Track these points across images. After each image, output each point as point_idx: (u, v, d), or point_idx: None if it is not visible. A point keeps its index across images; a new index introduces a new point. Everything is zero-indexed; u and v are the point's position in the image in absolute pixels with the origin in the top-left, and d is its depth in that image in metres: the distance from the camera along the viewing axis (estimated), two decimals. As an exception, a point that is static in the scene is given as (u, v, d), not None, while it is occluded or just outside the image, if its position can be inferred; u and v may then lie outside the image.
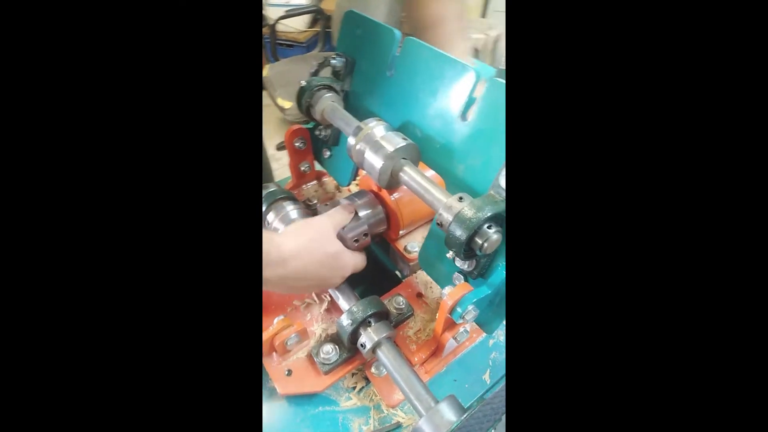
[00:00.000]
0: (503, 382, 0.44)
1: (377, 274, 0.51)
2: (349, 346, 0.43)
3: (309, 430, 0.41)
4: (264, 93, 1.65)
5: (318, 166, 0.63)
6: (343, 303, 0.46)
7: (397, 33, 0.46)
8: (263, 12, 1.72)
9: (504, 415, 0.32)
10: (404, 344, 0.46)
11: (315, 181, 0.65)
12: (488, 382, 0.45)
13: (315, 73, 0.53)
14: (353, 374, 0.45)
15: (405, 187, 0.44)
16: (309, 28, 2.17)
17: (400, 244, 0.51)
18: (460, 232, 0.34)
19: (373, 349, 0.41)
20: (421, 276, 0.52)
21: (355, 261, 0.46)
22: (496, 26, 2.00)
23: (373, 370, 0.44)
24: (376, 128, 0.44)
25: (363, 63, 0.51)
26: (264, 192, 0.52)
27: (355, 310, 0.41)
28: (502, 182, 0.36)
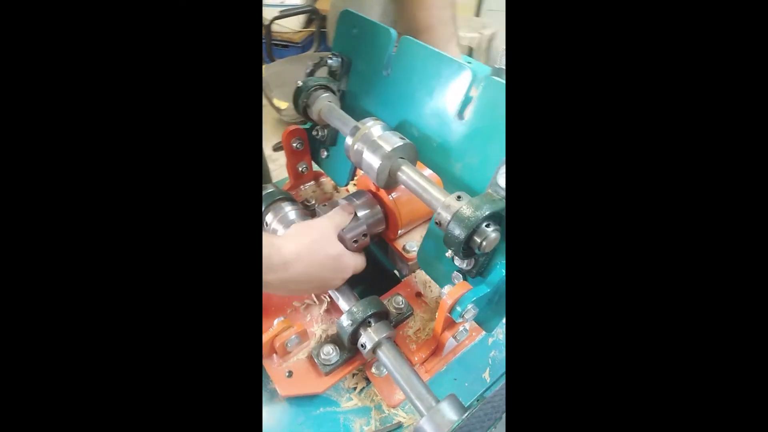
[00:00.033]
0: (503, 381, 0.44)
1: (376, 274, 0.51)
2: (349, 346, 0.43)
3: (310, 431, 0.41)
4: (260, 94, 1.64)
5: (315, 167, 0.63)
6: (342, 303, 0.46)
7: (393, 32, 0.46)
8: (259, 12, 1.71)
9: (504, 414, 0.32)
10: (404, 344, 0.46)
11: (313, 182, 0.65)
12: (488, 381, 0.45)
13: (311, 74, 0.53)
14: (354, 375, 0.45)
15: (403, 186, 0.44)
16: (304, 28, 2.17)
17: (399, 244, 0.51)
18: (458, 231, 0.34)
19: (374, 350, 0.41)
20: (420, 275, 0.52)
21: (356, 262, 0.46)
22: (490, 25, 2.01)
23: (373, 370, 0.44)
24: (374, 128, 0.44)
25: (359, 63, 0.51)
26: (262, 193, 0.51)
27: (355, 310, 0.41)
28: (500, 181, 0.36)
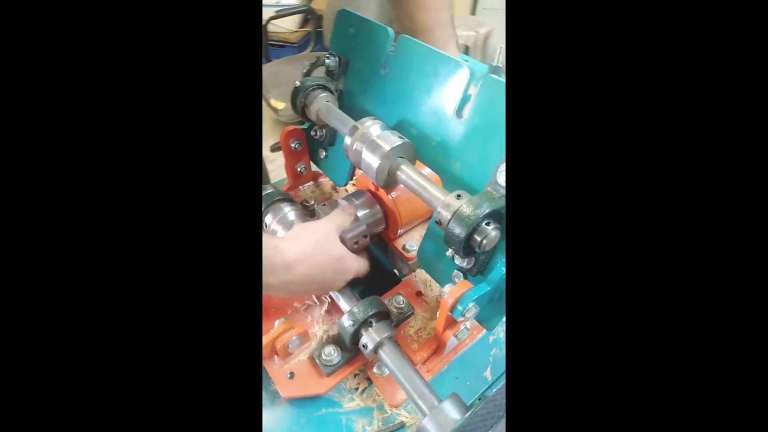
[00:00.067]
0: (505, 379, 0.44)
1: (376, 273, 0.51)
2: (350, 347, 0.43)
3: (312, 432, 0.41)
4: (257, 94, 1.63)
5: (314, 167, 0.63)
6: (343, 304, 0.46)
7: (391, 31, 0.46)
8: (254, 13, 1.70)
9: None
10: (405, 343, 0.46)
11: (311, 182, 0.64)
12: (489, 379, 0.45)
13: (308, 73, 0.53)
14: (355, 375, 0.45)
15: (402, 186, 0.44)
16: (300, 28, 2.16)
17: (399, 243, 0.51)
18: (459, 230, 0.34)
19: (375, 350, 0.41)
20: (420, 274, 0.52)
21: (359, 264, 0.46)
22: (485, 23, 2.01)
23: (375, 370, 0.44)
24: (372, 127, 0.43)
25: (357, 62, 0.51)
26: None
27: (356, 311, 0.41)
28: (500, 179, 0.36)
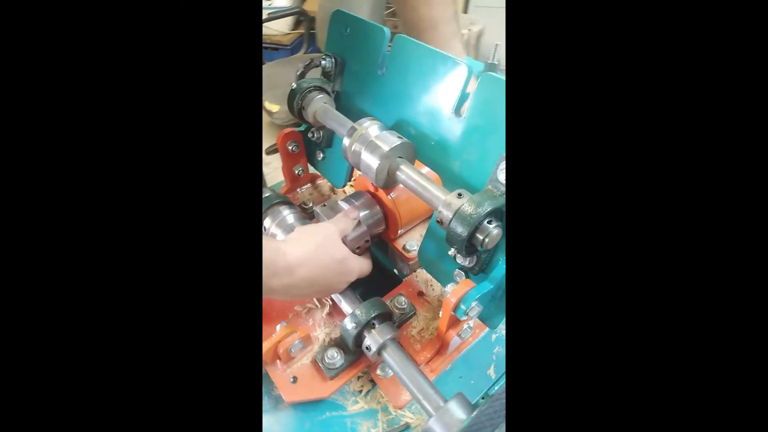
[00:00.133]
0: (509, 377, 0.44)
1: (377, 274, 0.51)
2: (353, 349, 0.42)
3: (317, 436, 0.41)
4: (250, 97, 1.63)
5: (311, 169, 0.62)
6: (345, 306, 0.46)
7: (387, 31, 0.46)
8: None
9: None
10: (408, 344, 0.45)
11: (309, 184, 0.64)
12: (493, 377, 0.45)
13: (302, 75, 0.53)
14: (359, 377, 0.45)
15: (401, 186, 0.44)
16: (293, 30, 2.16)
17: (399, 244, 0.51)
18: (461, 229, 0.34)
19: (379, 351, 0.40)
20: (421, 274, 0.52)
21: (361, 265, 0.46)
22: (478, 21, 2.01)
23: (378, 372, 0.43)
24: (371, 128, 0.43)
25: (353, 63, 0.51)
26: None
27: (358, 313, 0.41)
28: (500, 176, 0.36)
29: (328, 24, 0.52)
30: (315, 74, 0.53)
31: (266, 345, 0.41)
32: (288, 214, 0.49)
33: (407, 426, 0.41)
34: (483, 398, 0.44)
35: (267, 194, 0.51)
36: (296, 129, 0.57)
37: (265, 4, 1.97)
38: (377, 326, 0.41)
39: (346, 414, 0.42)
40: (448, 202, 0.36)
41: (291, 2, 2.06)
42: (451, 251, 0.38)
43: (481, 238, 0.35)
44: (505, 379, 0.45)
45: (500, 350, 0.47)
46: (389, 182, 0.44)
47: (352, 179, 0.58)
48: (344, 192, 0.63)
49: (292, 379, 0.43)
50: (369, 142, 0.42)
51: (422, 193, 0.40)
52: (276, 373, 0.43)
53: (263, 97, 1.55)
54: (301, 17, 1.87)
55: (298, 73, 0.53)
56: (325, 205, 0.52)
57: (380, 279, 0.53)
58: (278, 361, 0.44)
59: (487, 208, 0.34)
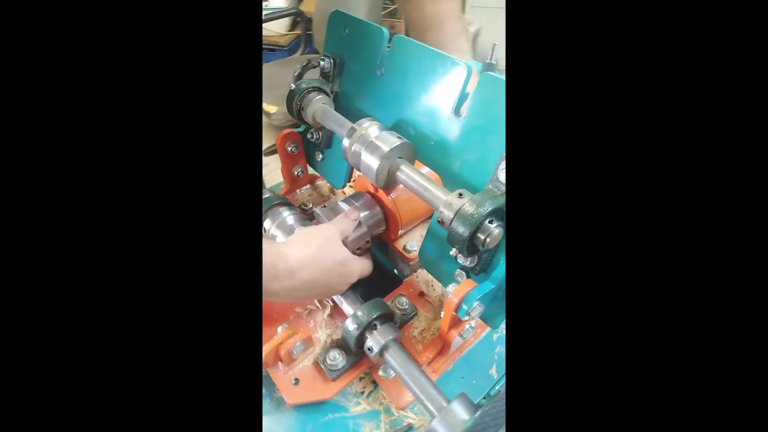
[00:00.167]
0: (511, 376, 0.44)
1: (377, 275, 0.50)
2: (355, 350, 0.42)
3: (320, 438, 0.41)
4: (248, 99, 1.62)
5: (311, 170, 0.62)
6: (346, 307, 0.46)
7: (386, 31, 0.46)
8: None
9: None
10: (410, 345, 0.45)
11: (308, 185, 0.64)
12: (495, 377, 0.45)
13: (299, 76, 0.52)
14: (361, 378, 0.45)
15: (401, 186, 0.43)
16: (290, 31, 2.15)
17: (399, 244, 0.51)
18: (462, 229, 0.34)
19: (381, 352, 0.40)
20: (422, 275, 0.52)
21: (362, 266, 0.46)
22: (474, 21, 2.01)
23: (380, 372, 0.43)
24: (371, 128, 0.43)
25: (352, 63, 0.51)
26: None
27: (360, 314, 0.41)
28: (501, 176, 0.36)
29: (327, 24, 0.52)
30: (312, 75, 0.53)
31: (268, 347, 0.41)
32: (288, 216, 0.49)
33: (410, 427, 0.41)
34: (485, 398, 0.44)
35: (267, 195, 0.51)
36: (295, 130, 0.57)
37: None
38: (379, 327, 0.41)
39: (349, 415, 0.42)
40: (449, 202, 0.36)
41: (287, 3, 2.06)
42: (453, 251, 0.38)
43: (482, 237, 0.35)
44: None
45: (502, 350, 0.47)
46: (389, 183, 0.44)
47: (352, 180, 0.58)
48: (344, 193, 0.63)
49: (294, 381, 0.43)
50: (369, 143, 0.42)
51: (423, 194, 0.40)
52: (278, 375, 0.43)
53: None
54: (298, 18, 1.87)
55: (296, 74, 0.53)
56: (325, 206, 0.52)
57: (381, 280, 0.53)
58: (280, 363, 0.43)
59: (488, 207, 0.34)
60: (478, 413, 0.33)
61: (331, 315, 0.48)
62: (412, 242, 0.51)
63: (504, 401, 0.33)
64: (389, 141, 0.42)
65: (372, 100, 0.49)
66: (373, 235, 0.49)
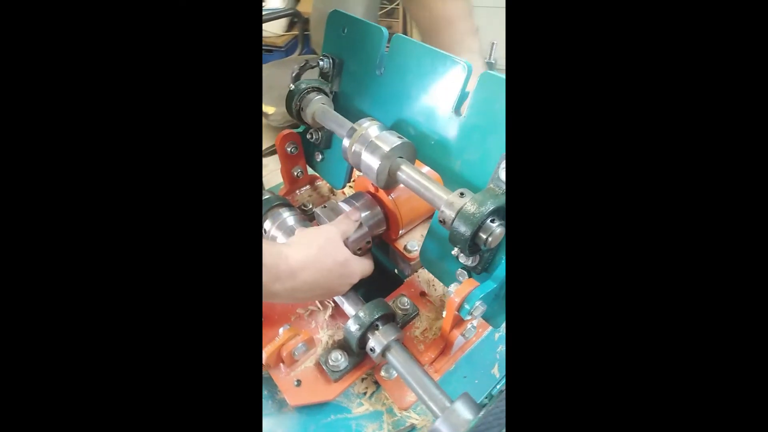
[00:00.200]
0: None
1: (379, 275, 0.50)
2: (357, 351, 0.42)
3: (322, 439, 0.40)
4: (246, 99, 1.62)
5: (310, 171, 0.62)
6: (348, 308, 0.46)
7: (385, 31, 0.46)
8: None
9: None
10: (412, 345, 0.45)
11: (308, 186, 0.64)
12: (498, 376, 0.45)
13: (297, 77, 0.52)
14: (363, 379, 0.44)
15: (401, 186, 0.43)
16: (287, 32, 2.15)
17: (400, 244, 0.51)
18: (464, 229, 0.34)
19: (383, 353, 0.40)
20: (423, 274, 0.52)
21: (363, 267, 0.46)
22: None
23: (382, 373, 0.43)
24: (371, 128, 0.43)
25: (351, 63, 0.51)
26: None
27: (362, 315, 0.41)
28: (502, 175, 0.36)
29: (326, 24, 0.52)
30: (310, 76, 0.52)
31: (269, 348, 0.41)
32: (288, 216, 0.49)
33: (413, 427, 0.41)
34: (488, 398, 0.44)
35: (266, 196, 0.51)
36: (294, 130, 0.57)
37: (258, 5, 1.96)
38: (381, 327, 0.41)
39: (351, 416, 0.42)
40: (450, 202, 0.36)
41: (284, 3, 2.06)
42: (454, 251, 0.38)
43: (484, 237, 0.34)
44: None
45: (503, 349, 0.47)
46: (390, 182, 0.44)
47: (352, 180, 0.58)
48: (344, 193, 0.63)
49: (296, 383, 0.42)
50: (369, 143, 0.42)
51: (424, 193, 0.39)
52: (280, 377, 0.43)
53: (259, 99, 1.55)
54: (295, 18, 1.86)
55: (294, 74, 0.53)
56: (325, 207, 0.51)
57: (382, 280, 0.53)
58: (282, 364, 0.43)
59: (490, 207, 0.34)
60: (482, 413, 0.32)
61: (332, 316, 0.48)
62: (413, 242, 0.51)
63: (506, 401, 0.32)
64: (390, 141, 0.41)
65: (372, 100, 0.49)
66: (374, 235, 0.49)
